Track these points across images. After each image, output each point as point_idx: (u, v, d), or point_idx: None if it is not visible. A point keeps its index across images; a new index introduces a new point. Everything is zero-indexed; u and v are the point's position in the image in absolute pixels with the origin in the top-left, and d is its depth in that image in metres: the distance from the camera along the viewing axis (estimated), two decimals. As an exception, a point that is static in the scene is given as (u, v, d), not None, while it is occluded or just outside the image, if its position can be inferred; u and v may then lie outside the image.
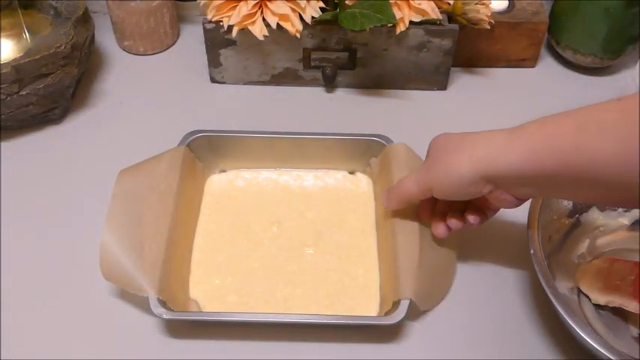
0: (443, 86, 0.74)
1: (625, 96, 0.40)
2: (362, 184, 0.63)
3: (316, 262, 0.57)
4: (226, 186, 0.63)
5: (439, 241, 0.54)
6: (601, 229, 0.58)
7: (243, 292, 0.55)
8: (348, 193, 0.62)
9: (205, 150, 0.62)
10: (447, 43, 0.69)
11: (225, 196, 0.62)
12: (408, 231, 0.54)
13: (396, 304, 0.50)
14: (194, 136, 0.61)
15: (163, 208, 0.55)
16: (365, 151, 0.62)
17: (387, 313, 0.50)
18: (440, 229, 0.53)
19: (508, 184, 0.46)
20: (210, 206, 0.61)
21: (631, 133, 0.38)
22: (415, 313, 0.53)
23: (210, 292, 0.55)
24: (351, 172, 0.63)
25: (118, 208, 0.54)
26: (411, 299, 0.50)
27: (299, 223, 0.59)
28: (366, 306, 0.54)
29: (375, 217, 0.60)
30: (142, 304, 0.53)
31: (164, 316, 0.49)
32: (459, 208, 0.53)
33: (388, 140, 0.61)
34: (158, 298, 0.49)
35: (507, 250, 0.58)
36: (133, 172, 0.58)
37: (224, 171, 0.64)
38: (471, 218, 0.51)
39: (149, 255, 0.51)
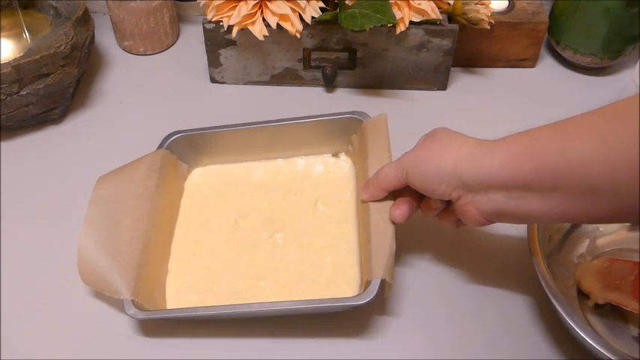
0: (443, 86, 0.74)
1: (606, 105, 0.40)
2: (343, 167, 0.62)
3: (281, 254, 0.56)
4: (204, 183, 0.62)
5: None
6: (601, 229, 0.58)
7: (204, 289, 0.55)
8: (327, 179, 0.61)
9: (187, 150, 0.62)
10: (447, 43, 0.69)
11: (202, 194, 0.62)
12: (383, 209, 0.52)
13: (367, 284, 0.48)
14: (173, 138, 0.61)
15: (141, 211, 0.55)
16: (345, 130, 0.61)
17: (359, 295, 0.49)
18: (400, 211, 0.51)
19: (481, 190, 0.45)
20: (187, 205, 0.61)
21: (609, 136, 0.38)
22: (404, 304, 0.53)
23: (176, 292, 0.55)
24: (335, 155, 0.63)
25: (96, 212, 0.55)
26: (382, 279, 0.48)
27: (269, 216, 0.59)
28: (336, 293, 0.53)
29: (355, 200, 0.59)
30: (119, 305, 0.53)
31: (137, 317, 0.49)
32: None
33: (365, 116, 0.60)
34: (132, 300, 0.50)
35: (507, 249, 0.58)
36: (112, 177, 0.58)
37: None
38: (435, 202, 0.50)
39: (125, 258, 0.52)
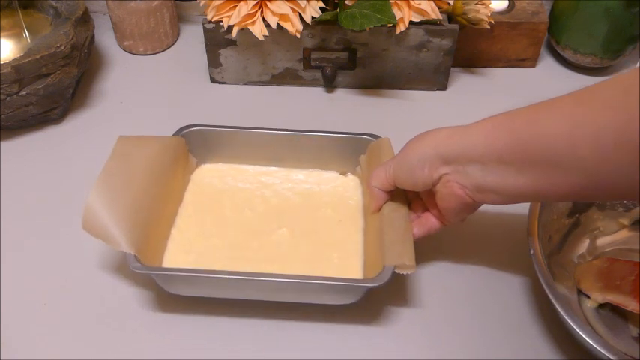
0: (443, 86, 0.74)
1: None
2: (350, 185, 0.62)
3: (289, 244, 0.57)
4: (213, 177, 0.63)
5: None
6: (601, 229, 0.58)
7: (209, 266, 0.55)
8: (335, 192, 0.62)
9: (198, 144, 0.62)
10: (447, 43, 0.69)
11: (210, 186, 0.62)
12: (398, 209, 0.54)
13: (382, 270, 0.49)
14: (187, 130, 0.61)
15: (152, 180, 0.55)
16: (355, 150, 0.61)
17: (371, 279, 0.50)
18: (422, 230, 0.53)
19: (460, 164, 0.46)
20: (193, 193, 0.61)
21: (575, 112, 0.40)
22: (405, 298, 0.54)
23: (177, 265, 0.55)
24: (343, 174, 0.63)
25: (113, 167, 0.55)
26: (395, 267, 0.49)
27: (276, 211, 0.60)
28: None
29: (363, 214, 0.59)
30: (119, 304, 0.54)
31: (140, 271, 0.49)
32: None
33: (378, 138, 0.60)
34: (135, 255, 0.50)
35: (507, 250, 0.58)
36: (132, 140, 0.58)
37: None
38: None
39: (132, 220, 0.51)
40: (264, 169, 0.63)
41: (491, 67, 0.77)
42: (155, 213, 0.55)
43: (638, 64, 0.70)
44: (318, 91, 0.74)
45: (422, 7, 0.65)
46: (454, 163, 0.47)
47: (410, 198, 0.55)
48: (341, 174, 0.63)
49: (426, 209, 0.54)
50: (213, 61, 0.72)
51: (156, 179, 0.56)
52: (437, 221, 0.53)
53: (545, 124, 0.41)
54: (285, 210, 0.60)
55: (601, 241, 0.58)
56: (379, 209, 0.54)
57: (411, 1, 0.65)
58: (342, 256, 0.56)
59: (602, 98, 0.39)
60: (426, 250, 0.58)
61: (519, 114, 0.44)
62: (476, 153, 0.45)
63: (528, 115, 0.43)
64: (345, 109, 0.72)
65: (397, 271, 0.49)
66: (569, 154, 0.40)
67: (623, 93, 0.38)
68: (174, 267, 0.54)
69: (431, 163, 0.48)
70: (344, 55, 0.70)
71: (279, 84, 0.74)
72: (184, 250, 0.56)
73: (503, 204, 0.48)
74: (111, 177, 0.54)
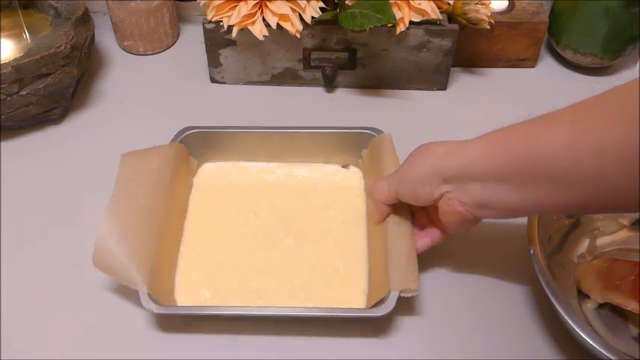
0: (443, 86, 0.74)
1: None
2: (353, 178, 0.62)
3: (295, 254, 0.57)
4: (215, 178, 0.63)
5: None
6: (601, 229, 0.58)
7: (217, 285, 0.55)
8: (338, 187, 0.62)
9: (199, 146, 0.62)
10: (447, 43, 0.69)
11: (214, 188, 0.62)
12: (402, 222, 0.54)
13: (385, 297, 0.50)
14: (187, 132, 0.61)
15: (157, 200, 0.55)
16: (357, 144, 0.62)
17: (375, 305, 0.50)
18: (425, 243, 0.54)
19: (460, 181, 0.46)
20: (197, 198, 0.61)
21: (576, 126, 0.40)
22: (408, 305, 0.54)
23: (187, 285, 0.55)
24: (345, 166, 0.63)
25: (120, 192, 0.55)
26: (400, 291, 0.49)
27: (281, 215, 0.60)
28: (348, 298, 0.54)
29: (367, 210, 0.59)
30: (133, 299, 0.54)
31: (154, 311, 0.49)
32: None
33: (379, 132, 0.61)
34: (148, 293, 0.50)
35: (507, 250, 0.58)
36: (134, 158, 0.58)
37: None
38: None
39: (141, 246, 0.51)
40: (265, 165, 0.63)
41: (491, 67, 0.77)
42: (164, 236, 0.54)
43: (638, 65, 0.69)
44: (318, 91, 0.74)
45: (422, 7, 0.65)
46: (454, 182, 0.47)
47: (413, 210, 0.55)
48: (343, 166, 0.63)
49: (429, 220, 0.54)
50: (213, 61, 0.72)
51: (162, 196, 0.56)
52: (440, 233, 0.53)
53: (544, 138, 0.41)
54: (290, 212, 0.60)
55: (601, 241, 0.58)
56: (382, 221, 0.55)
57: (411, 1, 0.65)
58: (347, 266, 0.56)
59: (602, 110, 0.39)
60: (428, 255, 0.58)
61: (514, 130, 0.44)
62: (474, 171, 0.45)
63: (524, 130, 0.43)
64: (345, 109, 0.72)
65: (402, 295, 0.50)
66: (571, 167, 0.40)
67: (622, 104, 0.38)
68: (187, 305, 0.53)
69: (431, 181, 0.48)
70: (344, 55, 0.70)
71: (279, 84, 0.74)
72: (195, 269, 0.56)
73: (504, 218, 0.48)
74: (117, 206, 0.54)
